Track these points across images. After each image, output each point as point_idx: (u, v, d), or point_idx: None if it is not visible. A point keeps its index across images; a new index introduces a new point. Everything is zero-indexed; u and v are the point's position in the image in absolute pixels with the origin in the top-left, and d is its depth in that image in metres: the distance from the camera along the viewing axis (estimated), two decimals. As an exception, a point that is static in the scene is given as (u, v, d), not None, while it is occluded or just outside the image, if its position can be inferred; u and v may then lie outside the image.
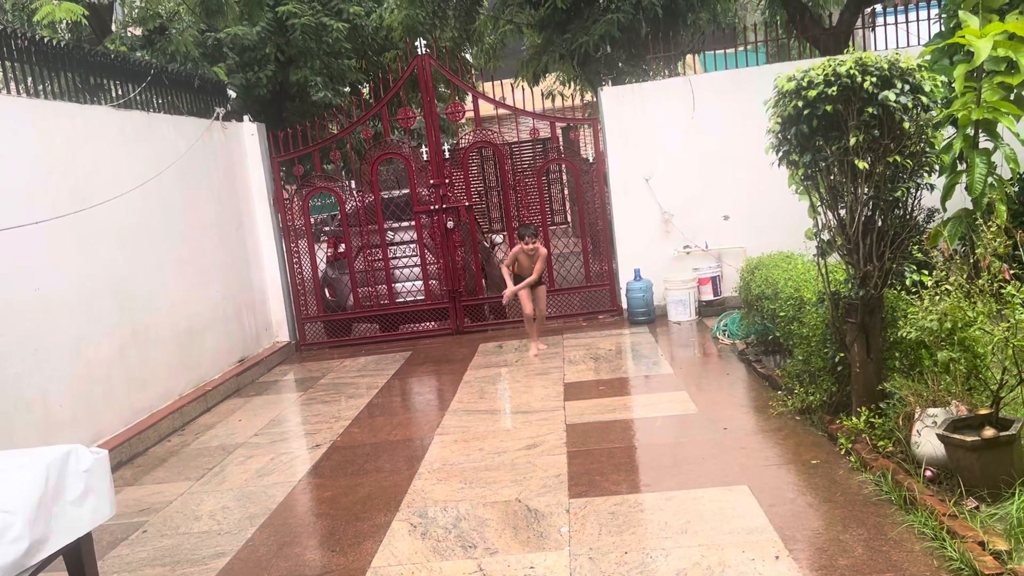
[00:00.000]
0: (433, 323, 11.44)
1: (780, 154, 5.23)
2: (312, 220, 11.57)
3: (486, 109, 11.91)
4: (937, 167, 5.41)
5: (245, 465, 6.44)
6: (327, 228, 14.03)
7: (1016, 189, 8.41)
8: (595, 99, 11.43)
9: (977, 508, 4.28)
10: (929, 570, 3.79)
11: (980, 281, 4.60)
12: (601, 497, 5.03)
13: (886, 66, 4.73)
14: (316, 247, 11.42)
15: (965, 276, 4.70)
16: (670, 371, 8.08)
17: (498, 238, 13.32)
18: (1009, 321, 4.31)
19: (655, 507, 4.83)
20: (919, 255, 5.28)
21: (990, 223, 5.87)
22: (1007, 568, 3.62)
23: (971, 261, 5.77)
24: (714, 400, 6.95)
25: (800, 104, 4.86)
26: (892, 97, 4.68)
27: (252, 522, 5.21)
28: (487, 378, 8.53)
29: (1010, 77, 6.44)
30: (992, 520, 4.11)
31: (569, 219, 18.14)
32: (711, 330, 9.54)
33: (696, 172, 10.46)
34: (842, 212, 5.20)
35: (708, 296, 10.59)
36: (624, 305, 10.84)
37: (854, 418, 5.35)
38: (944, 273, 4.66)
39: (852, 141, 4.79)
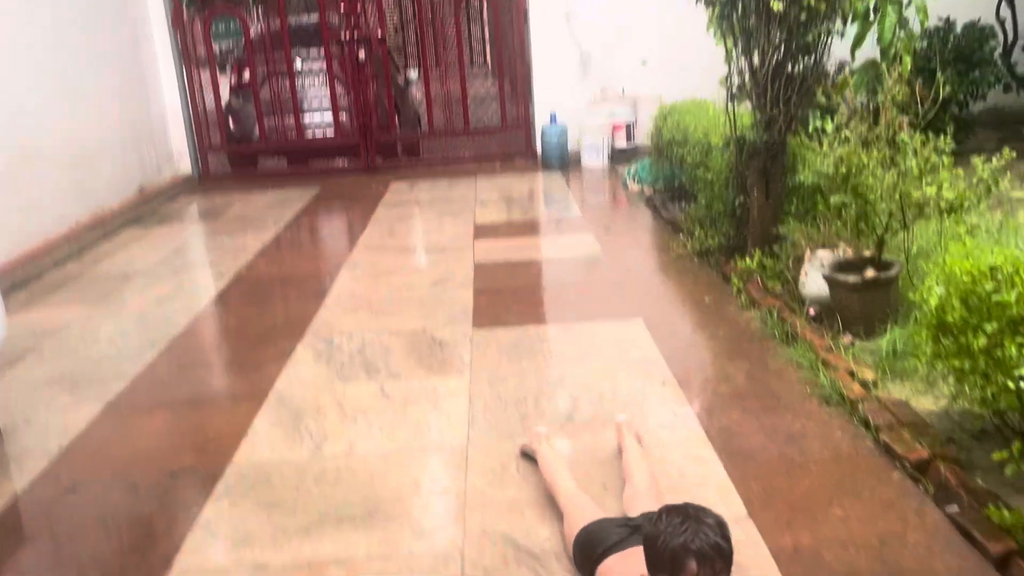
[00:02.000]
0: (343, 160, 11.19)
1: (697, -8, 5.15)
2: (218, 48, 10.94)
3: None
4: (850, 14, 5.42)
5: (145, 292, 6.33)
6: (232, 55, 13.30)
7: (924, 43, 8.54)
8: (518, -71, 10.89)
9: (852, 343, 4.58)
10: (802, 396, 4.07)
11: (877, 129, 4.72)
12: (504, 328, 5.16)
13: (810, -98, 4.62)
14: (220, 76, 10.85)
15: (866, 125, 4.81)
16: (579, 215, 8.18)
17: (413, 74, 12.88)
18: (899, 167, 4.47)
19: (554, 338, 5.00)
20: (824, 102, 5.35)
21: (893, 72, 5.97)
22: (871, 395, 3.92)
23: (871, 109, 5.89)
24: (619, 243, 7.11)
25: (721, -61, 4.74)
26: (811, -64, 4.60)
27: (153, 346, 5.18)
28: (398, 216, 8.48)
29: (931, -73, 6.39)
30: (864, 354, 4.41)
31: (489, 61, 17.68)
32: (622, 176, 9.63)
33: (617, 10, 10.20)
34: (755, 57, 5.20)
35: (622, 143, 10.60)
36: (539, 150, 10.79)
37: (748, 259, 5.56)
38: (844, 119, 4.76)
39: (769, -18, 4.73)
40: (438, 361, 4.73)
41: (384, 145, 11.04)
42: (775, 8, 4.78)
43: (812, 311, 4.99)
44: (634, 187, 9.16)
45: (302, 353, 4.93)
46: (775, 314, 4.97)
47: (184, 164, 10.72)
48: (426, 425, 3.98)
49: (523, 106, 11.04)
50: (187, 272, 6.89)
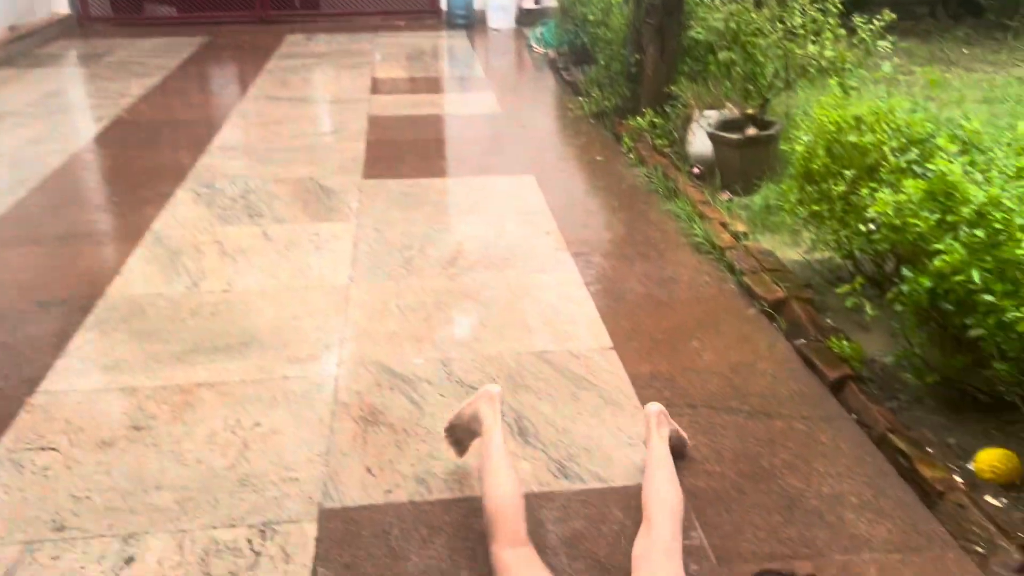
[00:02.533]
0: (236, 9, 10.61)
1: None
2: None
3: None
4: None
5: (16, 132, 5.98)
6: None
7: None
8: None
9: (731, 199, 4.74)
10: (676, 245, 4.23)
11: (768, -14, 4.75)
12: (395, 179, 5.12)
13: None
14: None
15: None
16: (481, 74, 8.05)
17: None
18: (786, 26, 4.53)
19: (446, 190, 5.00)
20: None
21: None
22: (740, 244, 4.10)
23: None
24: (519, 103, 7.05)
25: None
26: None
27: (23, 185, 4.94)
28: (292, 68, 8.16)
29: None
30: (740, 209, 4.58)
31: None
32: (528, 38, 9.46)
33: None
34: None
35: (530, 3, 10.38)
36: (444, 8, 10.45)
37: (640, 119, 5.62)
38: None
39: None
40: (325, 208, 4.68)
41: (280, -5, 10.50)
42: None
43: (696, 169, 5.12)
44: (539, 49, 9.03)
45: (182, 196, 4.80)
46: (661, 171, 5.08)
47: (62, 3, 9.97)
48: (308, 266, 3.98)
49: (428, -39, 10.61)
50: (63, 114, 6.52)
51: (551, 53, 8.70)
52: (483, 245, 4.21)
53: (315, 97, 7.14)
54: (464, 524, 2.37)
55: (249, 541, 2.30)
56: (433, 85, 7.58)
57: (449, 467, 2.60)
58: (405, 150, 5.68)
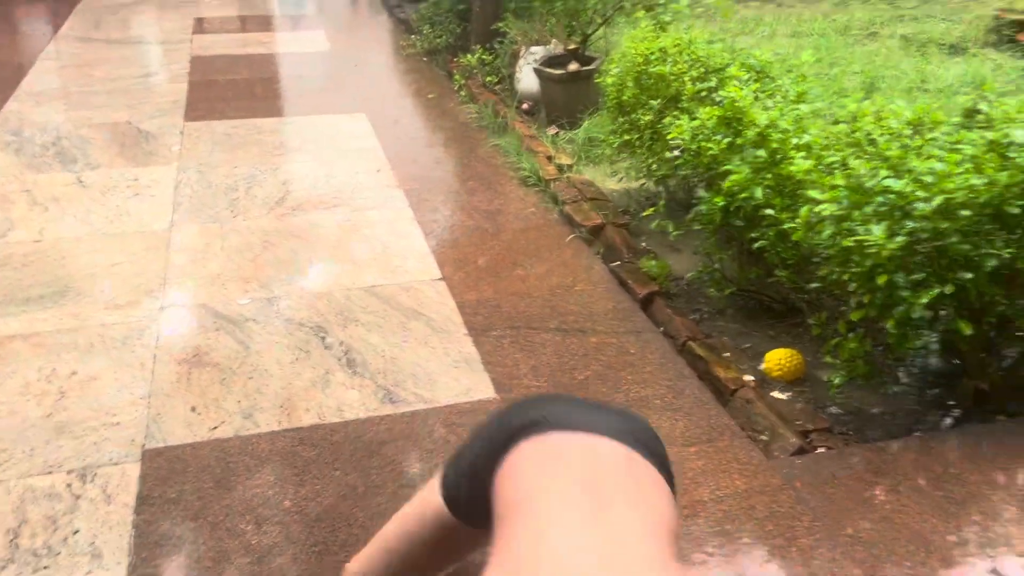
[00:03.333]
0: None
1: None
2: None
3: None
4: None
5: None
6: None
7: None
8: None
9: (558, 134, 4.90)
10: (504, 179, 4.35)
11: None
12: (219, 121, 4.98)
13: None
14: None
15: None
16: (311, 12, 7.85)
17: None
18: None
19: (273, 130, 4.91)
20: None
21: None
22: (564, 175, 4.27)
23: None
24: (351, 41, 6.94)
25: None
26: None
27: None
28: (107, 7, 7.68)
29: None
30: (565, 142, 4.74)
31: None
32: (360, -24, 9.26)
33: None
34: None
35: (360, -59, 10.10)
36: (271, -57, 10.03)
37: (470, 56, 5.67)
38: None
39: None
40: (143, 152, 4.51)
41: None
42: None
43: (525, 105, 5.24)
44: (372, -13, 8.86)
45: (-14, 144, 4.51)
46: (491, 107, 5.17)
47: None
48: (126, 212, 3.84)
49: None
50: None
51: (384, -9, 8.56)
52: (312, 184, 4.19)
53: (132, 38, 6.77)
54: (291, 452, 2.43)
55: (68, 486, 2.28)
56: (261, 24, 7.34)
57: (277, 400, 2.64)
58: (230, 91, 5.51)
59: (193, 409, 2.59)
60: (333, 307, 3.16)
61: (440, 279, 3.37)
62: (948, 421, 2.59)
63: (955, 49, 6.26)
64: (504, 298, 3.25)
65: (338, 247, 3.60)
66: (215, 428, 2.52)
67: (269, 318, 3.07)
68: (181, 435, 2.49)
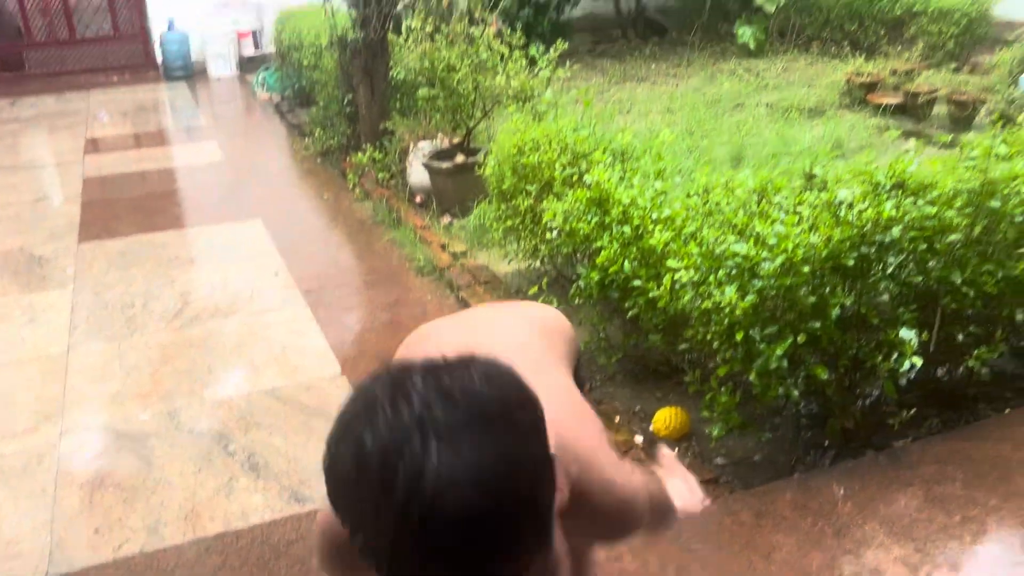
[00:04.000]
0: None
1: None
2: None
3: None
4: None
5: None
6: None
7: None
8: None
9: (451, 223, 5.09)
10: (401, 269, 4.49)
11: (455, 26, 5.16)
12: (113, 239, 5.01)
13: None
14: None
15: (442, 22, 5.23)
16: (203, 124, 7.96)
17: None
18: (472, 60, 4.96)
19: (168, 244, 4.96)
20: (412, 1, 5.71)
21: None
22: (458, 262, 4.44)
23: (466, 9, 6.38)
24: (243, 149, 7.07)
25: None
26: None
27: None
28: (-6, 135, 7.64)
29: None
30: (459, 230, 4.93)
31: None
32: (251, 84, 9.45)
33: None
34: (345, -45, 5.38)
35: (249, 51, 10.33)
36: (160, 60, 10.18)
37: (361, 155, 5.86)
38: (423, 16, 5.12)
39: None
40: (37, 278, 4.50)
41: (-28, 58, 9.76)
42: (354, -93, 4.97)
43: (418, 198, 5.44)
44: (263, 95, 9.04)
45: None
46: (385, 202, 5.35)
47: None
48: (20, 339, 3.83)
49: (137, 12, 10.29)
50: None
51: (275, 97, 8.76)
52: (209, 293, 4.25)
53: (23, 163, 6.75)
54: (198, 562, 2.45)
55: (-33, 625, 2.25)
56: (154, 139, 7.41)
57: (181, 513, 2.66)
58: (124, 208, 5.55)
59: (97, 531, 2.60)
60: (234, 413, 3.21)
61: (340, 374, 3.46)
62: (825, 460, 2.79)
63: (814, 113, 6.78)
64: (404, 387, 3.34)
65: (237, 353, 3.66)
66: (120, 547, 2.53)
67: (170, 431, 3.10)
68: (85, 558, 2.48)
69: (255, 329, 3.86)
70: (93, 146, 7.13)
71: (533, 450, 0.84)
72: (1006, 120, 5.70)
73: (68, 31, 10.07)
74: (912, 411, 2.80)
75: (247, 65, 10.26)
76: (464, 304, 4.01)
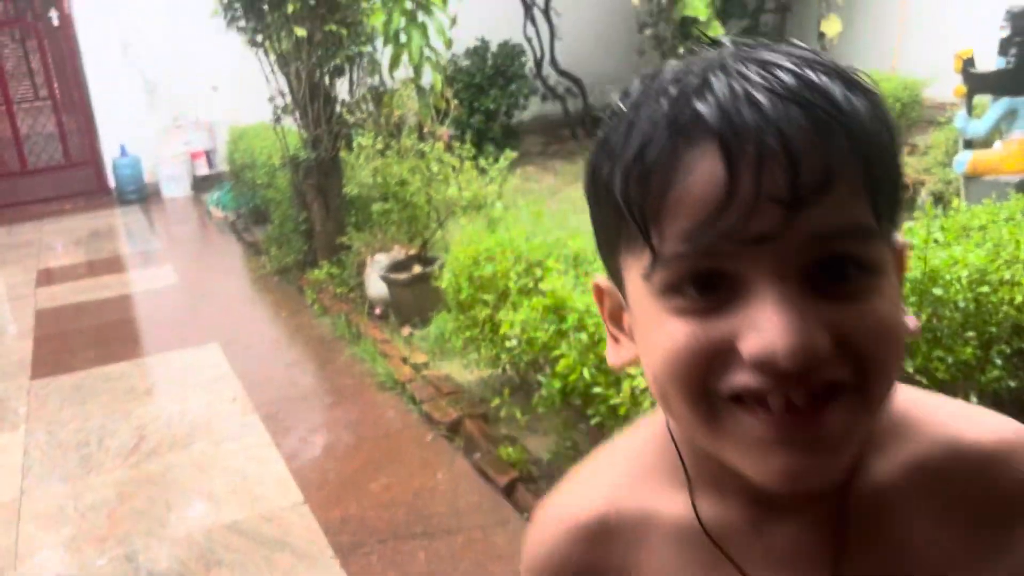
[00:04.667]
0: None
1: (227, 19, 5.33)
2: None
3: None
4: (378, 38, 5.98)
5: None
6: None
7: (468, 62, 9.59)
8: (57, -46, 10.21)
9: (411, 334, 5.08)
10: (362, 385, 4.45)
11: (404, 141, 5.27)
12: (67, 374, 4.91)
13: (316, -63, 5.04)
14: None
15: (391, 137, 5.35)
16: (158, 247, 7.95)
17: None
18: (424, 173, 5.05)
19: (123, 375, 4.87)
20: (364, 118, 5.83)
21: (431, 92, 6.67)
22: (419, 374, 4.41)
23: (415, 125, 6.54)
24: (200, 270, 7.06)
25: (238, -31, 4.97)
26: (323, -32, 5.02)
27: None
28: (-57, 272, 7.54)
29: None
30: (420, 341, 4.92)
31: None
32: (206, 204, 9.50)
33: (180, 38, 10.00)
34: (292, 78, 5.51)
35: (203, 170, 10.43)
36: (113, 184, 10.22)
37: (318, 271, 5.88)
38: (373, 135, 5.24)
39: (290, 8, 5.06)
40: (-8, 419, 4.38)
41: (-78, 194, 9.72)
42: (298, 34, 5.12)
43: (378, 310, 5.43)
44: (218, 214, 9.09)
45: None
46: (344, 317, 5.33)
47: None
48: (-30, 487, 3.69)
49: (89, 140, 10.38)
50: None
51: (230, 216, 8.80)
52: (166, 425, 4.15)
53: (-28, 299, 6.65)
54: None
55: None
56: (108, 266, 7.36)
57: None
58: (78, 340, 5.46)
59: None
60: (194, 552, 3.10)
61: (302, 502, 3.37)
62: None
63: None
64: (369, 511, 3.27)
65: (196, 486, 3.56)
66: None
67: (127, 575, 2.98)
68: None
69: (214, 459, 3.76)
70: (46, 277, 7.07)
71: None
72: (942, 202, 5.91)
73: (19, 162, 10.10)
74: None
75: (201, 184, 10.34)
76: (427, 418, 3.97)
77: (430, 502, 3.29)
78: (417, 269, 5.16)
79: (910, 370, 2.63)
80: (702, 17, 9.00)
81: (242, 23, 5.33)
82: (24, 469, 3.82)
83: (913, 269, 2.78)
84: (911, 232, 3.02)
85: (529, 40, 10.36)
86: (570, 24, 11.12)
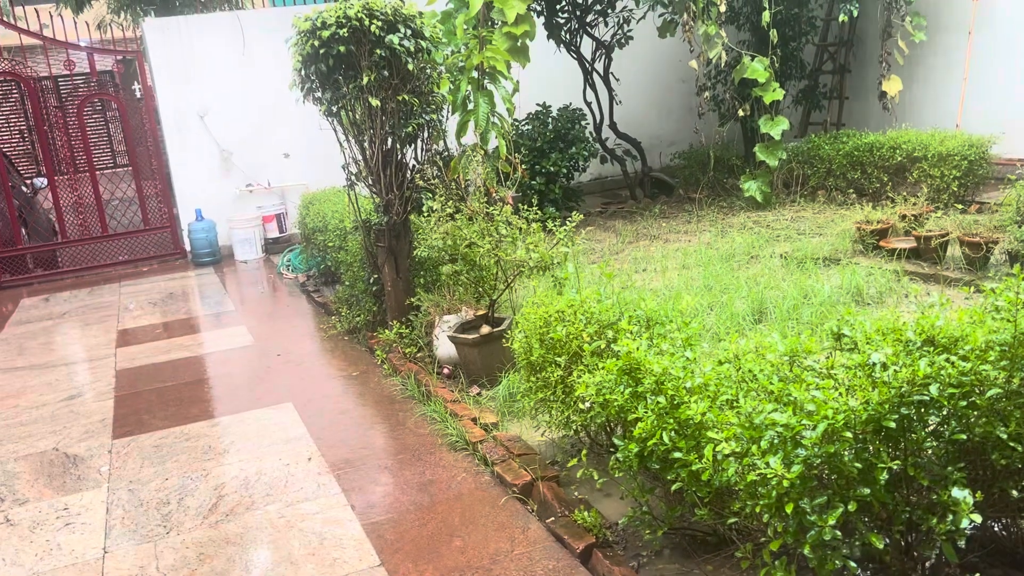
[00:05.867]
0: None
1: (304, 90, 5.54)
2: None
3: (13, 38, 10.61)
4: (446, 106, 6.15)
5: None
6: None
7: (529, 127, 9.76)
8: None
9: (480, 394, 5.11)
10: (433, 446, 4.47)
11: (472, 204, 5.39)
12: (147, 434, 5.04)
13: (390, 12, 5.24)
14: None
15: (480, 202, 5.46)
16: (232, 308, 8.16)
17: (41, 182, 12.03)
18: (493, 236, 5.13)
19: (200, 435, 4.98)
20: (435, 184, 5.97)
21: (496, 157, 6.81)
22: (490, 435, 4.42)
23: (482, 189, 6.67)
24: (272, 331, 7.22)
25: (316, 44, 5.19)
26: (396, 40, 5.21)
27: None
28: (29, 333, 7.85)
29: (514, 28, 7.44)
30: (489, 401, 4.94)
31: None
32: (277, 266, 9.76)
33: (254, 109, 10.46)
34: (366, 146, 5.69)
35: (274, 233, 10.76)
36: (188, 247, 10.59)
37: (388, 331, 5.97)
38: (443, 199, 5.36)
39: (365, 80, 5.25)
40: (72, 478, 4.51)
41: (10, 260, 10.18)
42: (373, 104, 5.29)
43: (446, 370, 5.49)
44: (289, 275, 9.33)
45: (-94, 495, 4.44)
46: (413, 377, 5.39)
47: None
48: (56, 546, 3.79)
49: (166, 205, 10.80)
50: None
51: (301, 277, 9.03)
52: (243, 484, 4.23)
53: (55, 361, 6.89)
54: None
55: None
56: (184, 327, 7.58)
57: None
58: (157, 400, 5.62)
59: None
60: (275, 614, 3.12)
61: (379, 565, 3.38)
62: (889, 631, 2.66)
63: (829, 261, 6.89)
64: (446, 574, 3.26)
65: (274, 547, 3.60)
66: None
67: (210, 638, 3.01)
68: None
69: (291, 520, 3.81)
70: (124, 338, 7.31)
71: None
72: (1019, 261, 5.78)
73: (101, 227, 10.53)
74: (976, 574, 2.69)
75: (272, 247, 10.65)
76: (499, 480, 3.97)
77: (506, 567, 3.27)
78: (485, 330, 5.21)
79: (1003, 436, 2.56)
80: (761, 79, 9.05)
81: (318, 94, 5.53)
82: (106, 528, 3.91)
83: (1002, 332, 2.72)
84: (994, 294, 2.96)
85: (589, 104, 10.54)
86: (629, 87, 11.30)
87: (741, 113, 9.69)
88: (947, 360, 2.62)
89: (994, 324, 2.79)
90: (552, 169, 9.49)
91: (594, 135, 10.57)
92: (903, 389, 2.51)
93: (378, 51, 5.23)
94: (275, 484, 4.19)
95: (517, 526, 3.58)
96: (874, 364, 2.66)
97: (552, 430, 4.11)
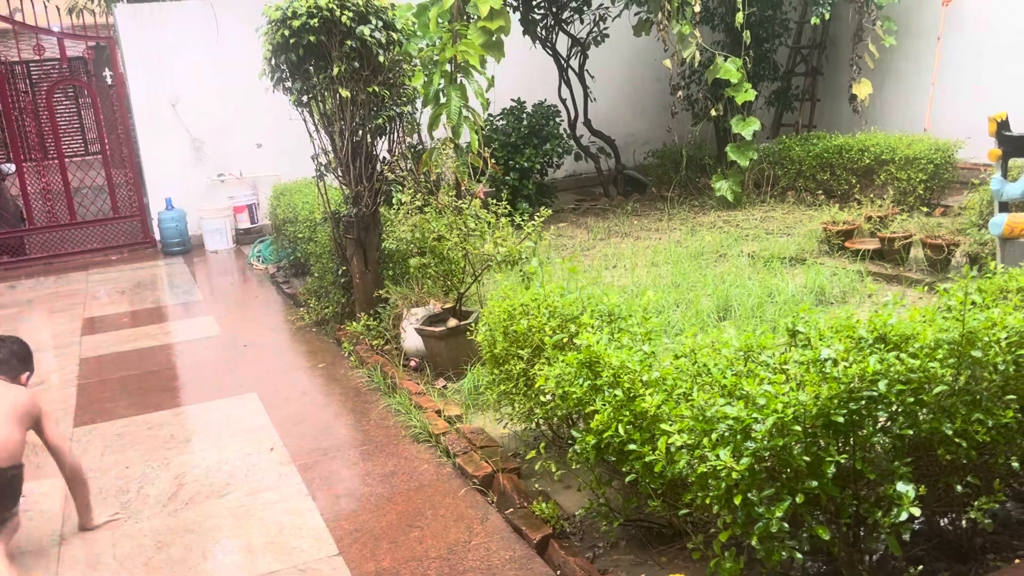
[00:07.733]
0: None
1: (274, 80, 5.52)
2: None
3: (-20, 19, 10.45)
4: (418, 99, 6.14)
5: None
6: None
7: (503, 122, 9.77)
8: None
9: (445, 386, 5.12)
10: (397, 438, 4.48)
11: (442, 198, 5.39)
12: (108, 422, 5.01)
13: (362, 3, 5.23)
14: None
15: (450, 196, 5.46)
16: (200, 298, 8.11)
17: (8, 167, 11.86)
18: (461, 229, 5.14)
19: (163, 424, 4.96)
20: (404, 176, 5.97)
21: (468, 151, 6.82)
22: (453, 427, 4.44)
23: (452, 182, 6.68)
24: (240, 321, 7.18)
25: (287, 33, 5.17)
26: (367, 32, 5.21)
27: None
28: (-7, 319, 7.76)
29: (489, 22, 7.45)
30: (454, 394, 4.96)
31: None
32: (247, 257, 9.71)
33: (227, 98, 10.37)
34: (336, 137, 5.67)
35: (245, 224, 10.68)
36: (158, 237, 10.50)
37: (355, 323, 5.96)
38: (412, 192, 5.36)
39: (335, 71, 5.24)
40: (31, 466, 4.44)
41: (-25, 245, 10.05)
42: (343, 95, 5.28)
43: (413, 362, 5.49)
44: (259, 266, 9.28)
45: None
46: (379, 369, 5.39)
47: None
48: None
49: (137, 193, 10.71)
50: None
51: (271, 268, 8.99)
52: (204, 473, 4.21)
53: (19, 347, 6.81)
54: None
55: None
56: (151, 316, 7.53)
57: None
58: (120, 389, 5.58)
59: None
60: (230, 602, 3.12)
61: (337, 554, 3.39)
62: (835, 623, 2.71)
63: (795, 261, 6.97)
64: (403, 565, 3.28)
65: (233, 536, 3.60)
66: None
67: (164, 625, 3.01)
68: None
69: (251, 509, 3.80)
70: (91, 326, 7.24)
71: None
72: (977, 263, 5.88)
73: (69, 214, 10.41)
74: (920, 567, 2.74)
75: (243, 238, 10.58)
76: (460, 471, 3.99)
77: (463, 557, 3.30)
78: (452, 323, 5.23)
79: (949, 432, 2.61)
80: (734, 80, 9.12)
81: (288, 83, 5.51)
82: (64, 517, 3.88)
83: (951, 331, 2.78)
84: (946, 294, 3.02)
85: (564, 101, 10.56)
86: (604, 85, 11.33)
87: (714, 113, 9.76)
88: (897, 357, 2.67)
89: (944, 323, 2.85)
90: (526, 165, 9.51)
91: (569, 132, 10.60)
92: (852, 385, 2.56)
93: (349, 42, 5.22)
94: (236, 473, 4.18)
95: (476, 517, 3.60)
96: (825, 360, 2.70)
97: (515, 423, 4.13)
